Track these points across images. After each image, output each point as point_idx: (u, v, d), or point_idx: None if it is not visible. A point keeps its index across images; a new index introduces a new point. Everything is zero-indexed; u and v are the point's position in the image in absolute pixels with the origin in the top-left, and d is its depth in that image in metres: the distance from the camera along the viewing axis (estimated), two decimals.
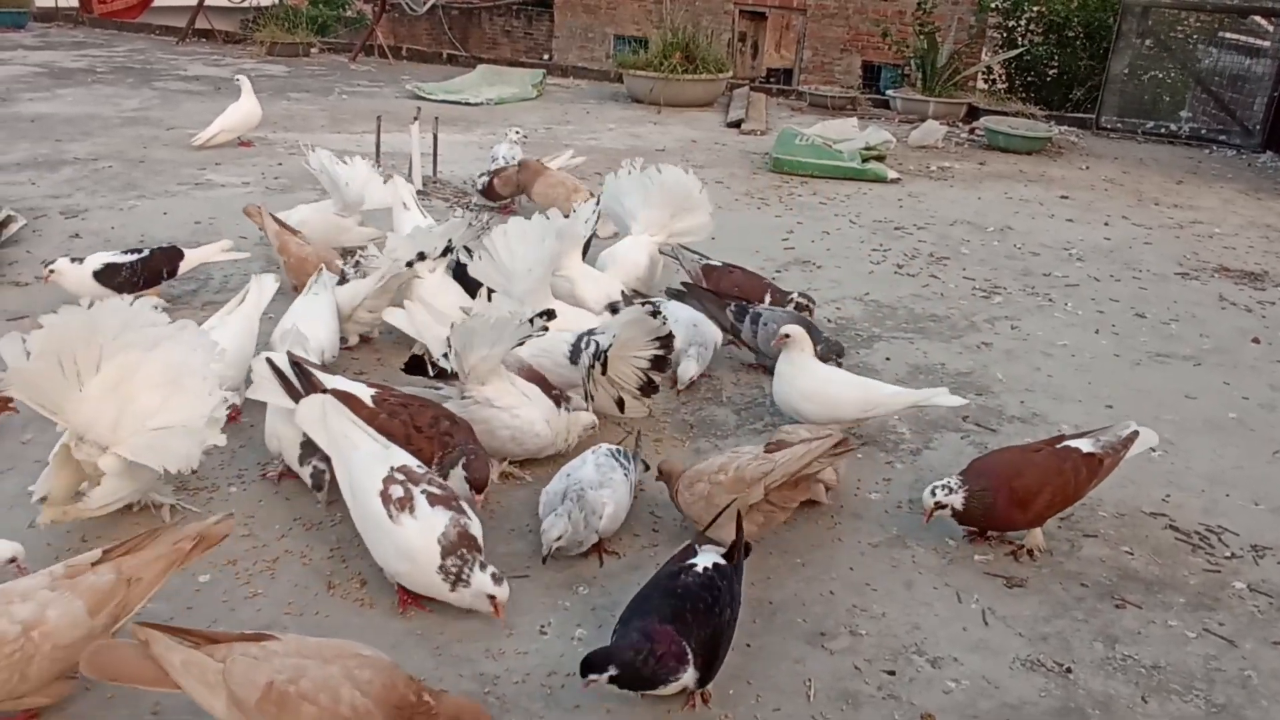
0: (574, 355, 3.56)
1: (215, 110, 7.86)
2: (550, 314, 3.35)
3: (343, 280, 4.09)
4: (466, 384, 3.15)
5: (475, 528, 2.61)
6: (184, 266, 4.43)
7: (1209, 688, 2.59)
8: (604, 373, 3.48)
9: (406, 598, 2.65)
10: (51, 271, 4.14)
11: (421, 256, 3.95)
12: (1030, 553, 3.07)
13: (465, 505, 2.68)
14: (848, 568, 2.99)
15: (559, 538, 2.76)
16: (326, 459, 2.85)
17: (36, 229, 5.47)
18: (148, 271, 4.30)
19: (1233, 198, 8.32)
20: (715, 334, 4.15)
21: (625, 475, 2.99)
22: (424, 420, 3.02)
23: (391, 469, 2.65)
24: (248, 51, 13.15)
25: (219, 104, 8.19)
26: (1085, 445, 3.09)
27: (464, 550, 2.52)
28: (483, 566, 2.51)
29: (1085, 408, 4.16)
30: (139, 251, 4.34)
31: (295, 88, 10.73)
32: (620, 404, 3.57)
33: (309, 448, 2.92)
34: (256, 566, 2.80)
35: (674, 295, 4.24)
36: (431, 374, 3.17)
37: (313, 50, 13.36)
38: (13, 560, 2.53)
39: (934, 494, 2.98)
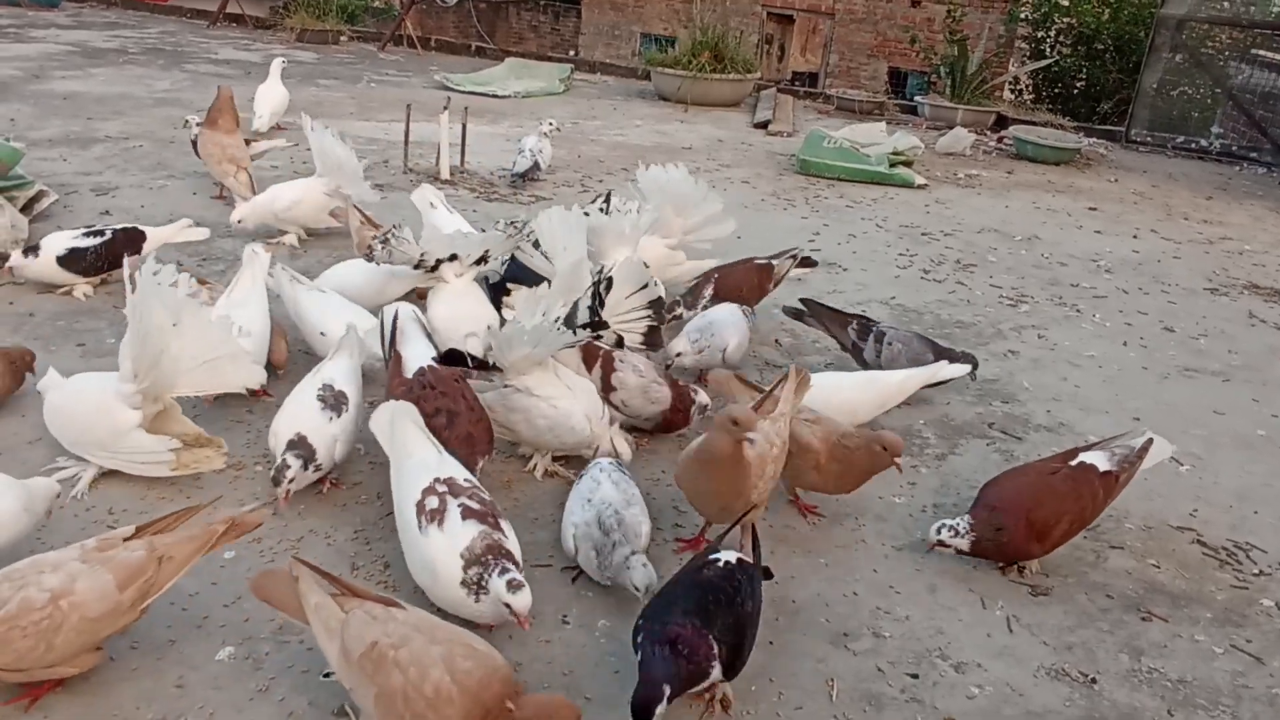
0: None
1: (246, 94, 7.87)
2: (603, 325, 3.35)
3: (370, 257, 4.06)
4: (508, 374, 3.14)
5: (510, 544, 2.49)
6: (147, 247, 4.36)
7: (1235, 704, 2.56)
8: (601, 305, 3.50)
9: None
10: (10, 269, 4.13)
11: (453, 258, 3.86)
12: (1021, 569, 3.00)
13: (505, 524, 2.55)
14: (871, 570, 2.97)
15: (649, 587, 2.54)
16: (300, 457, 2.85)
17: (68, 205, 5.50)
18: (111, 254, 4.24)
19: (1263, 215, 8.25)
20: (730, 340, 3.98)
21: (634, 484, 2.91)
22: (427, 410, 2.97)
23: (434, 480, 2.57)
24: (278, 37, 13.21)
25: (249, 88, 8.20)
26: (1102, 462, 3.01)
27: (490, 558, 2.40)
28: (503, 572, 2.37)
29: (1112, 419, 4.12)
30: (101, 234, 4.29)
31: (324, 75, 10.77)
32: (620, 341, 3.55)
33: (293, 445, 2.88)
34: (281, 545, 2.80)
35: (792, 313, 4.26)
36: (470, 364, 3.13)
37: (342, 38, 13.40)
38: (58, 495, 2.63)
39: (939, 533, 2.91)
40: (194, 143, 5.98)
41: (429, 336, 3.34)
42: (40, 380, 3.06)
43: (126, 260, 3.50)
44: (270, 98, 7.51)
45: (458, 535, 2.44)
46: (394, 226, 3.92)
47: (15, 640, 2.03)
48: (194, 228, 4.54)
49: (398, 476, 2.67)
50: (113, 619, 2.16)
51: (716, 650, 2.16)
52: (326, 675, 2.31)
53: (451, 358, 3.12)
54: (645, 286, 3.62)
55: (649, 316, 3.68)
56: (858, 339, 4.02)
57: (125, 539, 2.28)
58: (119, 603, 2.16)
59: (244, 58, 11.35)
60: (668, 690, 2.05)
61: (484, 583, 2.37)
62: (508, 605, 2.33)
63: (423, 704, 1.91)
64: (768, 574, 2.61)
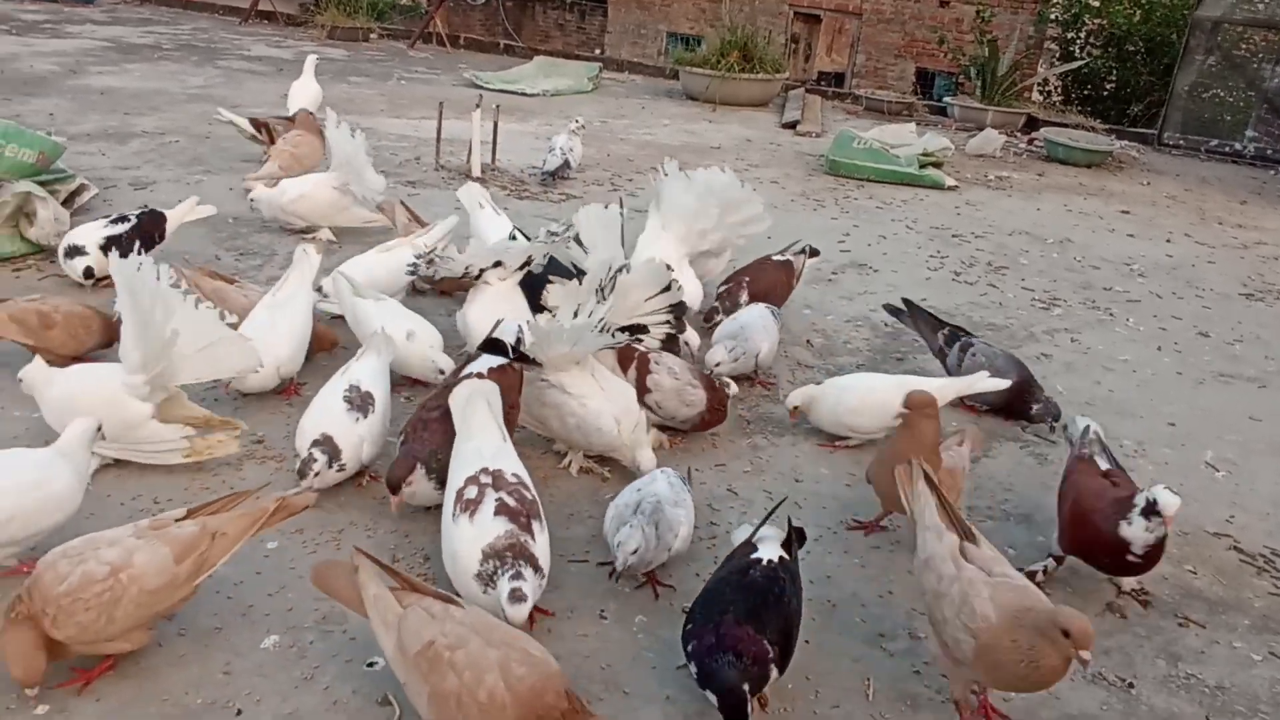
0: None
1: (279, 90, 7.97)
2: (643, 329, 3.35)
3: (413, 273, 4.14)
4: (546, 369, 3.16)
5: (536, 548, 2.46)
6: (169, 228, 4.50)
7: (1274, 711, 2.55)
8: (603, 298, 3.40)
9: None
10: (98, 274, 4.21)
11: (497, 264, 3.87)
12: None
13: (537, 526, 2.53)
14: (906, 571, 2.96)
15: (635, 550, 2.56)
16: (326, 453, 2.89)
17: (107, 199, 5.58)
18: (141, 237, 4.30)
19: None
20: (762, 345, 4.00)
21: (691, 500, 2.88)
22: (430, 403, 3.04)
23: (481, 470, 2.58)
24: (308, 34, 13.31)
25: (282, 85, 8.31)
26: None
27: (509, 557, 2.40)
28: (515, 576, 2.35)
29: (1146, 424, 4.10)
30: (126, 219, 4.39)
31: (355, 72, 10.85)
32: (639, 329, 3.50)
33: (318, 443, 2.92)
34: (323, 536, 2.84)
35: (891, 310, 4.28)
36: (511, 356, 3.14)
37: (372, 35, 13.50)
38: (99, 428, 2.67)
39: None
40: (263, 126, 6.35)
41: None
42: (24, 370, 3.05)
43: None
44: (304, 94, 7.55)
45: (485, 530, 2.45)
46: (437, 247, 4.01)
47: (78, 613, 2.08)
48: (202, 205, 4.64)
49: (454, 458, 2.70)
50: (170, 591, 2.21)
51: (772, 653, 2.17)
52: (370, 664, 2.36)
53: (491, 346, 3.14)
54: (667, 289, 3.54)
55: (669, 323, 3.61)
56: (944, 345, 4.03)
57: (177, 520, 2.33)
58: (175, 575, 2.21)
59: (276, 54, 11.46)
60: (748, 690, 2.09)
61: (494, 579, 2.38)
62: (503, 611, 2.31)
63: (476, 709, 1.92)
64: (802, 536, 2.63)
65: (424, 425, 2.92)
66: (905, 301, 4.27)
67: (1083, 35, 14.37)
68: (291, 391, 3.56)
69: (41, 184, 4.85)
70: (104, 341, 3.60)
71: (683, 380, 3.45)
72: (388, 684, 2.28)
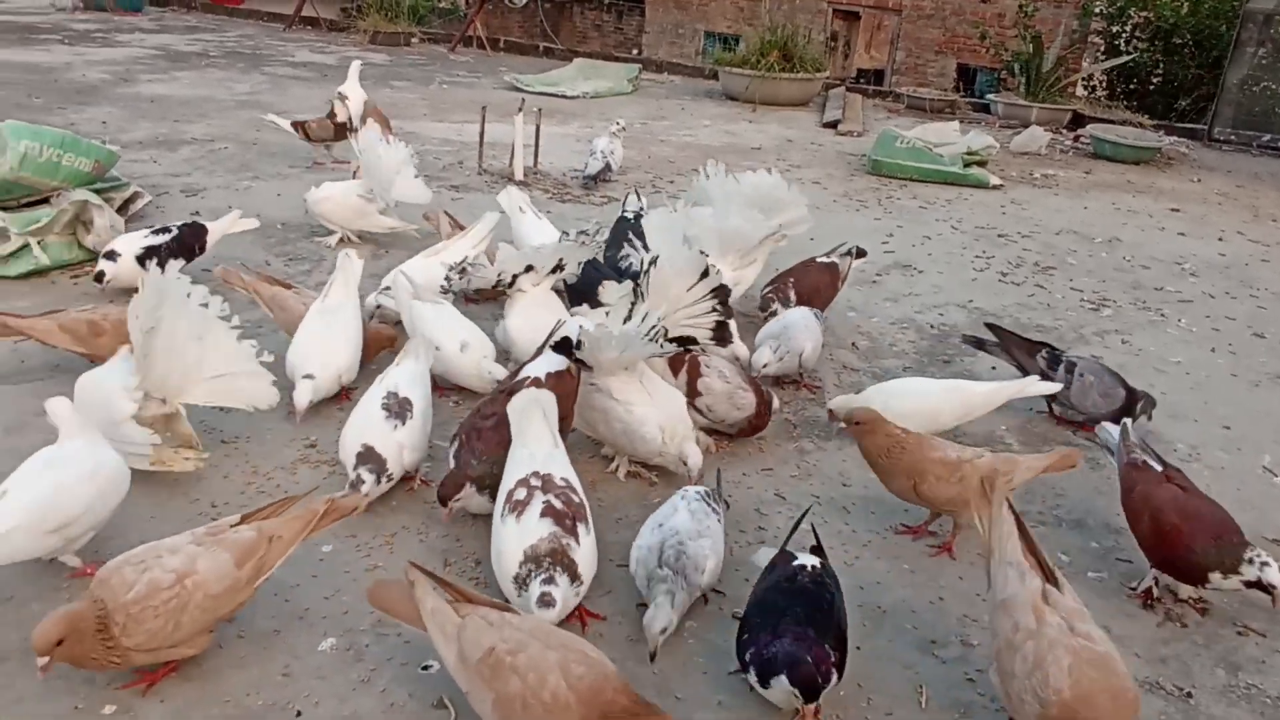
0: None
1: (323, 96, 8.08)
2: (692, 341, 3.35)
3: (447, 289, 4.14)
4: (596, 373, 3.18)
5: (578, 553, 2.48)
6: (210, 240, 4.54)
7: None
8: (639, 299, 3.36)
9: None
10: (108, 280, 4.24)
11: (529, 269, 3.90)
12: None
13: (583, 529, 2.56)
14: (957, 577, 2.96)
15: (664, 630, 2.40)
16: (374, 472, 2.90)
17: (160, 206, 5.70)
18: (181, 248, 4.37)
19: None
20: (805, 345, 3.97)
21: (719, 521, 2.77)
22: (485, 410, 3.06)
23: (532, 473, 2.62)
24: (351, 39, 13.48)
25: (326, 90, 8.42)
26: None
27: (547, 562, 2.42)
28: (547, 581, 2.38)
29: (1201, 428, 4.04)
30: (167, 230, 4.43)
31: (397, 76, 10.97)
32: (689, 340, 3.42)
33: (362, 459, 2.94)
34: (375, 540, 2.88)
35: (973, 342, 4.11)
36: (576, 356, 3.17)
37: (413, 40, 13.63)
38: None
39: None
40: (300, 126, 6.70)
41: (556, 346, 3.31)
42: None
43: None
44: (354, 99, 7.66)
45: (529, 530, 2.49)
46: (468, 259, 4.05)
47: (148, 620, 2.14)
48: (244, 219, 4.69)
49: (508, 462, 2.73)
50: (231, 595, 2.26)
51: (833, 659, 2.18)
52: (425, 668, 2.39)
53: (561, 346, 3.15)
54: (705, 274, 3.40)
55: (715, 310, 3.45)
56: (1047, 368, 3.86)
57: (232, 525, 2.38)
58: (237, 579, 2.26)
59: (320, 60, 11.61)
60: (813, 662, 2.10)
61: (528, 582, 2.41)
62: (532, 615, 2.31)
63: (541, 710, 1.95)
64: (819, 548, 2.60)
65: (477, 434, 2.95)
66: (990, 327, 4.12)
67: (1128, 29, 14.12)
68: (344, 397, 3.61)
69: (97, 192, 4.97)
70: None
71: (733, 384, 3.45)
72: (444, 687, 2.31)
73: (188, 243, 4.44)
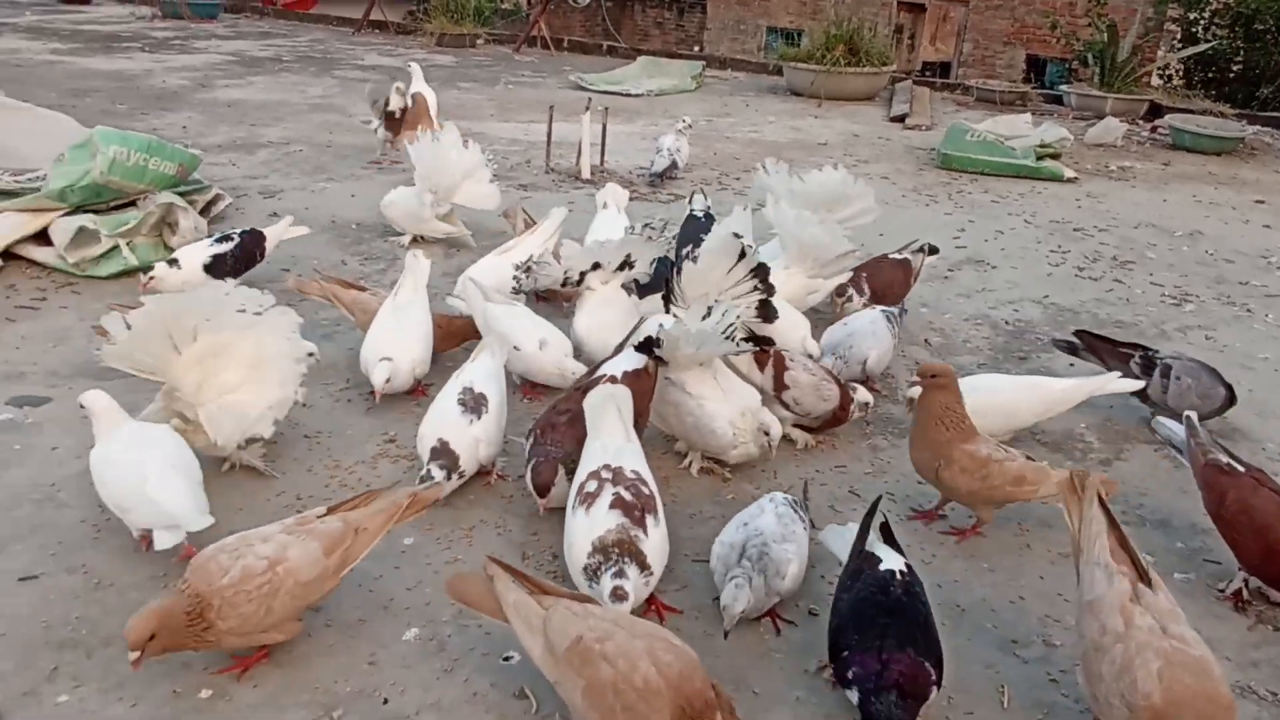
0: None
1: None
2: (769, 341, 3.35)
3: (517, 290, 4.18)
4: (672, 368, 3.20)
5: (646, 544, 2.49)
6: (268, 246, 4.58)
7: None
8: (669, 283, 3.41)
9: None
10: (151, 278, 4.24)
11: (596, 267, 3.92)
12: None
13: (651, 521, 2.56)
14: (1038, 576, 2.91)
15: (741, 612, 2.43)
16: (444, 468, 2.95)
17: (239, 207, 5.86)
18: (244, 256, 4.45)
19: None
20: (869, 353, 3.88)
21: (804, 529, 2.71)
22: (560, 406, 3.10)
23: (603, 465, 2.65)
24: (418, 42, 13.70)
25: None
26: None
27: (615, 554, 2.44)
28: (618, 574, 2.39)
29: None
30: (230, 239, 4.46)
31: (463, 77, 11.12)
32: (766, 340, 3.40)
33: (436, 454, 2.98)
34: (455, 534, 2.94)
35: (1064, 347, 4.05)
36: (655, 354, 3.19)
37: (478, 41, 13.80)
38: None
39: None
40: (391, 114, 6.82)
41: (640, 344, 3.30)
42: None
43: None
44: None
45: (598, 522, 2.52)
46: (532, 258, 4.09)
47: (241, 604, 2.21)
48: (295, 225, 4.75)
49: (583, 457, 2.77)
50: (320, 583, 2.33)
51: (934, 675, 2.16)
52: (506, 659, 2.44)
53: (644, 346, 3.17)
54: (743, 255, 3.38)
55: (758, 289, 3.42)
56: (1141, 374, 3.74)
57: (319, 516, 2.45)
58: (325, 567, 2.33)
59: (388, 63, 11.81)
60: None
61: (599, 574, 2.43)
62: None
63: (633, 695, 1.97)
64: (888, 529, 2.57)
65: (552, 428, 3.00)
66: (1078, 334, 4.02)
67: (1207, 15, 13.69)
68: (420, 393, 3.68)
69: (181, 194, 5.13)
70: None
71: (818, 375, 3.47)
72: (524, 678, 2.35)
73: (249, 250, 4.49)
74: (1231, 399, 3.69)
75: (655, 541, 2.54)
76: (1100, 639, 2.16)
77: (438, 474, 2.95)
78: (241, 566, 2.25)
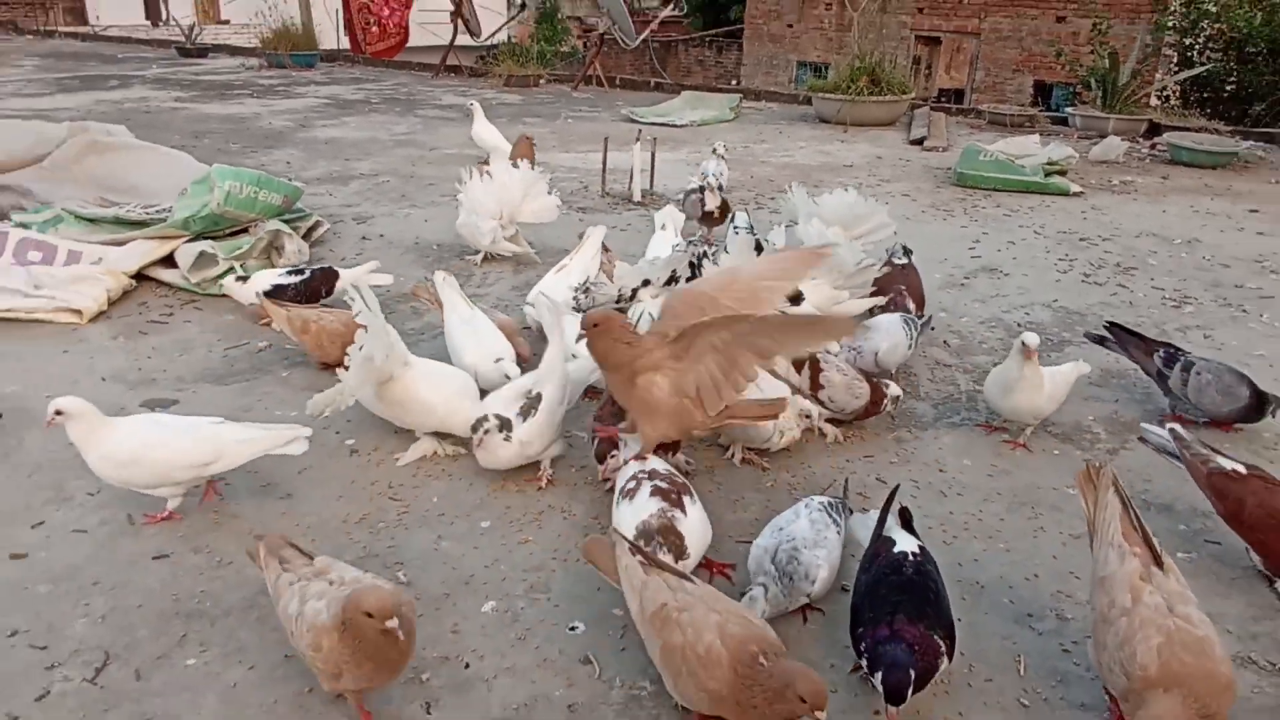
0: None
1: (466, 133, 8.27)
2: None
3: (578, 307, 4.10)
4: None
5: (685, 524, 2.50)
6: (339, 285, 4.46)
7: None
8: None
9: None
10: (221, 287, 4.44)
11: (645, 283, 3.92)
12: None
13: (689, 500, 2.59)
14: (1051, 556, 2.85)
15: (762, 614, 2.37)
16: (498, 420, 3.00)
17: (335, 232, 5.96)
18: (309, 290, 4.36)
19: None
20: (881, 344, 3.79)
21: (838, 533, 2.61)
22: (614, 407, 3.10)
23: (639, 470, 2.73)
24: (488, 83, 13.81)
25: (468, 127, 8.61)
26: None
27: (659, 539, 2.45)
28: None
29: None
30: (301, 273, 4.43)
31: (528, 114, 11.18)
32: None
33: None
34: (526, 518, 2.95)
35: (1095, 339, 3.91)
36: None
37: (541, 81, 13.87)
38: None
39: None
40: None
41: None
42: None
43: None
44: (489, 134, 7.89)
45: (641, 508, 2.55)
46: (589, 279, 4.10)
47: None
48: (378, 273, 4.60)
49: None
50: None
51: (943, 646, 2.11)
52: (572, 629, 2.45)
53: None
54: (759, 249, 3.65)
55: None
56: (1163, 367, 3.62)
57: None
58: None
59: (462, 102, 11.83)
60: (913, 675, 2.01)
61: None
62: None
63: (696, 661, 2.00)
64: (907, 514, 2.52)
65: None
66: (1109, 326, 3.90)
67: (1201, 40, 13.29)
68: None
69: (286, 222, 5.24)
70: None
71: (850, 375, 3.44)
72: (589, 645, 2.37)
73: (315, 285, 4.40)
74: (1259, 400, 3.48)
75: (693, 519, 2.57)
76: (1108, 612, 2.12)
77: (492, 422, 2.99)
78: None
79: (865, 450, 3.46)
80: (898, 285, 4.36)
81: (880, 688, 2.03)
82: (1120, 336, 3.82)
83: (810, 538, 2.51)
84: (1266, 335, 4.65)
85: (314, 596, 2.09)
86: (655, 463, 2.78)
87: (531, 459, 3.10)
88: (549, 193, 5.35)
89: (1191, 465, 2.84)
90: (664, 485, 2.62)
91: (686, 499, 2.61)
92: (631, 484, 2.67)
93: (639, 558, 2.25)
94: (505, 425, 2.99)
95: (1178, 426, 3.00)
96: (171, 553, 2.74)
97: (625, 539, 2.33)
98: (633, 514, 2.56)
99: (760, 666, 1.96)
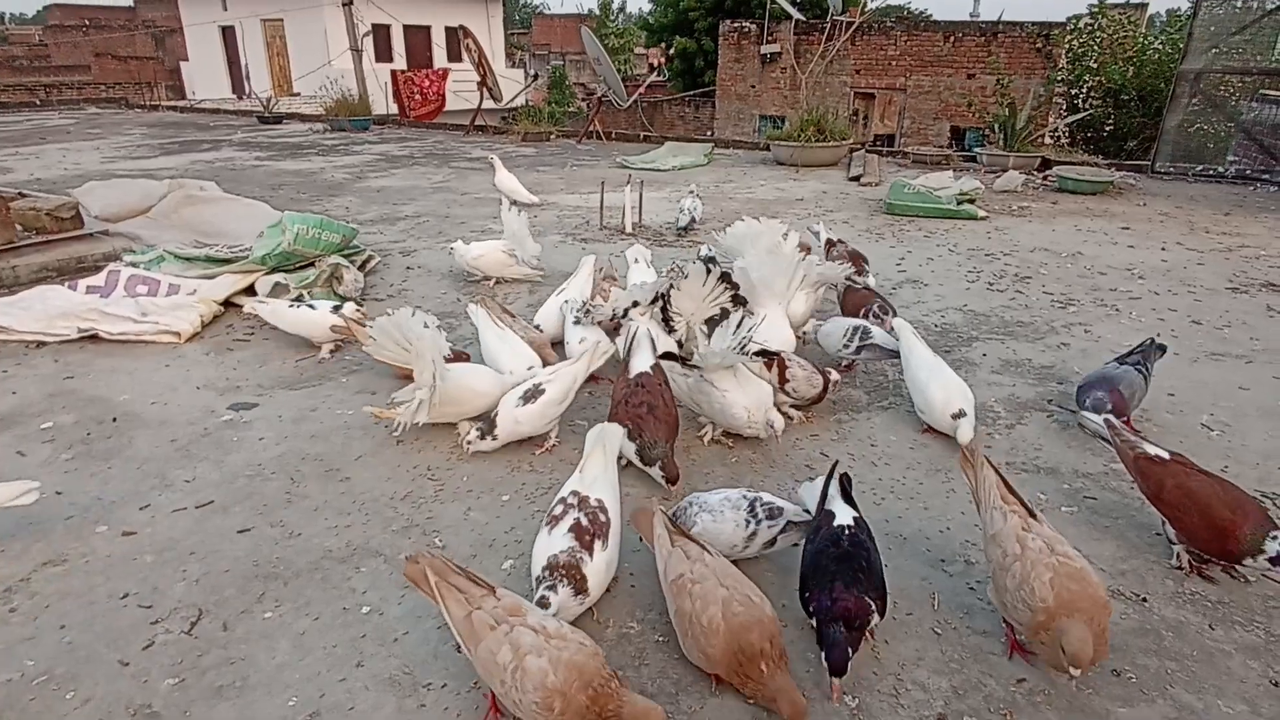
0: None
1: (490, 180, 8.27)
2: (773, 352, 3.40)
3: (578, 324, 4.03)
4: (705, 372, 3.21)
5: (588, 568, 2.17)
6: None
7: (1268, 621, 2.33)
8: (665, 306, 3.59)
9: None
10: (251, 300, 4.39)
11: (635, 304, 3.86)
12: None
13: (600, 546, 2.23)
14: (960, 512, 2.86)
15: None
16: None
17: (385, 264, 5.95)
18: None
19: (1276, 225, 7.32)
20: (816, 326, 3.89)
21: (740, 526, 2.40)
22: (635, 400, 3.04)
23: (572, 492, 2.35)
24: (509, 139, 13.78)
25: (491, 176, 8.63)
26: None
27: (558, 574, 2.14)
28: (549, 588, 2.11)
29: (1150, 396, 3.75)
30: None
31: (541, 163, 11.17)
32: (770, 353, 3.40)
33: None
34: (538, 491, 2.92)
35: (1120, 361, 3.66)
36: (680, 361, 3.21)
37: (552, 136, 13.84)
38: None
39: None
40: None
41: (653, 349, 3.29)
42: None
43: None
44: (509, 182, 7.90)
45: (555, 542, 2.22)
46: (587, 302, 4.08)
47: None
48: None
49: (566, 484, 2.47)
50: None
51: (874, 606, 2.07)
52: None
53: (667, 356, 3.20)
54: (708, 273, 3.59)
55: (727, 289, 3.63)
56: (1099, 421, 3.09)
57: None
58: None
59: (485, 153, 11.90)
60: (851, 653, 2.00)
61: (538, 585, 2.17)
62: None
63: (699, 629, 1.96)
64: (847, 480, 2.41)
65: (641, 420, 2.95)
66: (1158, 342, 3.63)
67: (1085, 90, 13.32)
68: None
69: (345, 256, 5.23)
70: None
71: (808, 370, 3.47)
72: (598, 605, 2.33)
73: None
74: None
75: (597, 564, 2.20)
76: (1004, 561, 2.12)
77: (475, 434, 3.07)
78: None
79: (810, 430, 3.46)
80: (873, 303, 4.13)
81: (825, 663, 1.99)
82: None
83: (714, 506, 2.42)
84: (1134, 329, 4.65)
85: (532, 651, 1.77)
86: (595, 488, 2.35)
87: (524, 436, 3.15)
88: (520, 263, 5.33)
89: (1121, 451, 2.70)
90: (585, 523, 2.25)
91: (598, 544, 2.23)
92: (559, 509, 2.31)
93: (672, 530, 2.17)
94: (487, 430, 3.08)
95: (1112, 417, 2.89)
96: (253, 527, 2.75)
97: (662, 511, 2.25)
98: (546, 545, 2.24)
99: (761, 670, 1.90)
